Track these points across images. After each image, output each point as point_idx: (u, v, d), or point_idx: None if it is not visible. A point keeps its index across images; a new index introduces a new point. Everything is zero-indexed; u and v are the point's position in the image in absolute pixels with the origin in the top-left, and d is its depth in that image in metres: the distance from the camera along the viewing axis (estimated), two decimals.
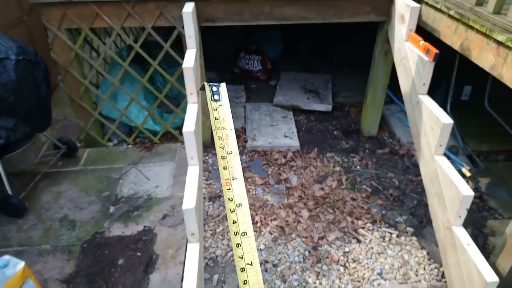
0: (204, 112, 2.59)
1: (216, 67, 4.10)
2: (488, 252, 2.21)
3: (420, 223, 2.44)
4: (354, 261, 2.19)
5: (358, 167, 2.93)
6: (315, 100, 3.62)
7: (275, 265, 2.16)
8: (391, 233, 2.36)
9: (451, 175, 1.78)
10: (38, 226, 2.36)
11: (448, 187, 1.79)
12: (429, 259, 2.20)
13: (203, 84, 0.90)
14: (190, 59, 1.98)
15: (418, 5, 2.25)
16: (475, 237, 2.28)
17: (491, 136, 3.01)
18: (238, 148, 3.04)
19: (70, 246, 2.23)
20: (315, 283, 2.06)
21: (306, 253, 2.23)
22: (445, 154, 1.94)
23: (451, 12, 2.08)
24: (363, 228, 2.40)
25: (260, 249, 2.25)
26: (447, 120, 1.83)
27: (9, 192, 2.36)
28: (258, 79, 4.14)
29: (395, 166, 2.94)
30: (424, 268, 2.15)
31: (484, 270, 1.55)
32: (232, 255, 2.15)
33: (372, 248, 2.27)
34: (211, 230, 2.36)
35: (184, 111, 2.07)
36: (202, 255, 1.72)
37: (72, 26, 2.57)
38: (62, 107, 3.39)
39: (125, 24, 2.57)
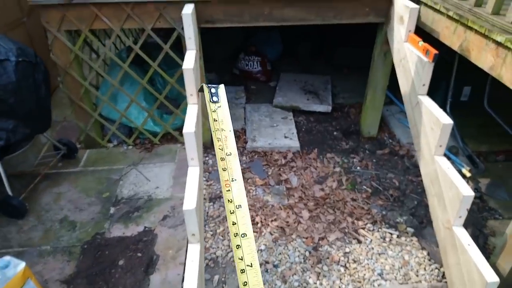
0: (204, 113, 2.59)
1: (215, 68, 4.10)
2: (488, 252, 2.21)
3: (421, 224, 2.44)
4: (354, 261, 2.19)
5: (358, 167, 2.93)
6: (315, 101, 3.63)
7: (275, 266, 2.16)
8: (391, 234, 2.37)
9: (451, 176, 1.78)
10: (38, 227, 2.36)
11: (448, 187, 1.79)
12: (429, 260, 2.21)
13: (202, 86, 0.90)
14: (190, 60, 1.98)
15: (417, 6, 2.26)
16: (475, 238, 2.28)
17: (490, 136, 3.02)
18: (238, 149, 3.04)
19: (70, 247, 2.23)
20: (315, 283, 2.06)
21: (307, 253, 2.23)
22: (445, 155, 1.94)
23: (450, 13, 2.09)
24: (363, 228, 2.40)
25: (261, 250, 2.25)
26: (447, 120, 1.83)
27: (9, 193, 2.36)
28: (258, 80, 4.15)
29: (395, 167, 2.94)
30: (425, 269, 2.16)
31: (485, 271, 1.56)
32: (233, 256, 2.15)
33: (372, 248, 2.27)
34: (211, 231, 2.36)
35: (184, 112, 2.07)
36: (202, 256, 1.72)
37: (71, 28, 2.58)
38: (62, 108, 3.39)
39: (124, 25, 2.57)
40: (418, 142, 2.13)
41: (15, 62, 2.13)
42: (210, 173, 2.86)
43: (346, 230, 2.38)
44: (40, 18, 2.50)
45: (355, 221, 2.44)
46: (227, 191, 0.79)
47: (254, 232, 2.31)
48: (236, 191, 0.79)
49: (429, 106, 1.98)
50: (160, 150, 3.07)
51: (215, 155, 0.88)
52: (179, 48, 2.66)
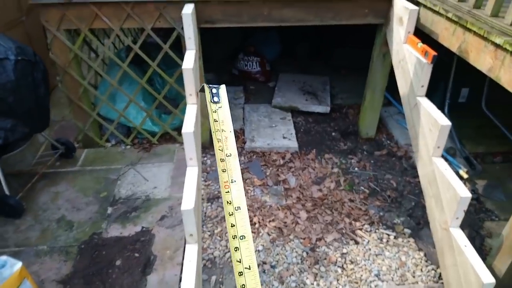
0: (203, 113, 2.59)
1: (214, 68, 4.10)
2: (485, 253, 2.22)
3: (418, 225, 2.44)
4: (351, 262, 2.19)
5: (356, 168, 2.93)
6: (313, 102, 3.63)
7: (273, 267, 2.16)
8: (388, 235, 2.37)
9: (449, 177, 1.79)
10: (35, 226, 2.35)
11: (446, 188, 1.80)
12: (426, 261, 2.21)
13: (203, 86, 0.90)
14: (190, 60, 1.98)
15: (416, 7, 2.26)
16: (472, 239, 2.29)
17: (488, 138, 3.03)
18: (237, 149, 3.04)
19: (67, 247, 2.22)
20: (312, 284, 2.06)
21: (304, 254, 2.23)
22: (442, 156, 1.95)
23: (449, 15, 2.10)
24: (361, 229, 2.40)
25: (258, 250, 2.25)
26: (445, 122, 1.84)
27: (7, 192, 2.35)
28: (257, 81, 4.15)
29: (393, 168, 2.95)
30: (421, 270, 2.16)
31: (481, 272, 1.56)
32: (230, 256, 2.14)
33: (369, 249, 2.27)
34: (209, 231, 2.36)
35: (182, 112, 2.07)
36: (200, 256, 1.72)
37: (71, 27, 2.57)
38: (60, 107, 3.39)
39: (124, 25, 2.57)
40: (416, 143, 2.13)
41: (14, 61, 2.13)
42: (208, 173, 2.86)
43: (344, 231, 2.39)
44: (40, 17, 2.50)
45: (353, 222, 2.45)
46: (226, 192, 0.78)
47: (252, 232, 2.31)
48: (235, 193, 0.78)
49: (428, 107, 1.99)
50: (158, 150, 3.07)
51: (213, 155, 0.87)
52: (179, 48, 2.66)
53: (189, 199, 1.57)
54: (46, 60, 2.56)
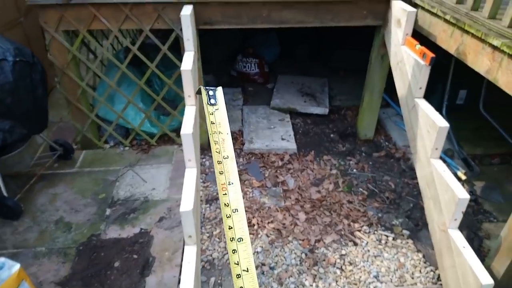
0: (201, 115, 2.59)
1: (213, 70, 4.11)
2: (483, 255, 2.22)
3: (416, 226, 2.45)
4: (350, 263, 2.19)
5: (354, 170, 2.94)
6: (312, 103, 3.64)
7: (271, 268, 2.16)
8: (387, 236, 2.37)
9: (447, 178, 1.79)
10: (33, 228, 2.34)
11: (444, 190, 1.80)
12: (425, 262, 2.21)
13: (200, 88, 0.90)
14: (188, 62, 1.98)
15: (414, 9, 2.27)
16: (470, 240, 2.30)
17: (486, 139, 3.04)
18: (235, 150, 3.04)
19: (65, 248, 2.22)
20: (311, 285, 2.06)
21: (303, 255, 2.23)
22: (441, 158, 1.95)
23: (447, 17, 2.11)
24: (359, 231, 2.41)
25: (257, 252, 2.25)
26: (443, 123, 1.84)
27: (5, 194, 2.35)
28: (255, 82, 4.15)
29: (391, 169, 2.96)
30: (420, 271, 2.16)
31: (479, 273, 1.57)
32: (229, 258, 2.14)
33: (368, 251, 2.27)
34: (208, 233, 2.36)
35: (181, 113, 2.07)
36: (199, 258, 1.72)
37: (69, 28, 2.57)
38: (58, 109, 3.38)
39: (123, 26, 2.57)
40: (414, 145, 2.14)
41: (13, 62, 2.12)
42: (207, 174, 2.86)
43: (342, 232, 2.39)
44: (38, 18, 2.50)
45: (351, 223, 2.45)
46: (223, 194, 0.78)
47: (250, 234, 2.31)
48: (233, 195, 0.78)
49: (426, 109, 2.00)
50: (157, 152, 3.07)
51: (212, 156, 0.87)
52: (177, 49, 2.66)
53: (188, 201, 1.57)
54: (44, 61, 2.55)
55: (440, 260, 1.91)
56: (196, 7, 2.46)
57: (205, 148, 3.06)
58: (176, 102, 3.09)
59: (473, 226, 2.43)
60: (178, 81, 2.21)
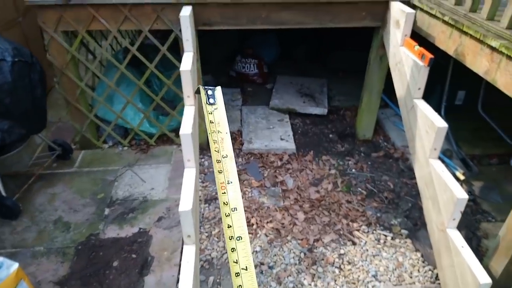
0: (200, 115, 2.60)
1: (212, 70, 4.11)
2: (481, 254, 2.23)
3: (415, 226, 2.45)
4: (349, 263, 2.20)
5: (353, 170, 2.94)
6: (311, 104, 3.64)
7: (270, 267, 2.16)
8: (386, 236, 2.38)
9: (446, 178, 1.80)
10: (32, 228, 2.34)
11: (443, 190, 1.81)
12: (423, 261, 2.22)
13: (198, 88, 0.90)
14: (188, 62, 1.98)
15: (413, 11, 2.28)
16: (469, 240, 2.30)
17: (484, 140, 3.05)
18: (235, 150, 3.05)
19: (64, 248, 2.22)
20: (310, 285, 2.07)
21: (302, 255, 2.24)
22: (439, 158, 1.96)
23: (446, 18, 2.11)
24: (358, 230, 2.41)
25: (256, 251, 2.25)
26: (442, 124, 1.85)
27: (3, 193, 2.34)
28: (254, 83, 4.16)
29: (390, 169, 2.96)
30: (418, 270, 2.17)
31: (478, 272, 1.57)
32: (228, 258, 2.15)
33: (367, 250, 2.28)
34: (206, 232, 2.36)
35: (180, 113, 2.08)
36: (198, 257, 1.72)
37: (68, 29, 2.57)
38: (57, 109, 3.38)
39: (122, 27, 2.57)
40: (413, 145, 2.14)
41: (11, 62, 2.12)
42: (206, 174, 2.86)
43: (341, 232, 2.39)
44: (37, 18, 2.49)
45: (350, 223, 2.46)
46: (222, 193, 0.78)
47: (249, 233, 2.31)
48: (232, 194, 0.78)
49: (424, 109, 2.00)
50: (155, 152, 3.07)
51: (211, 156, 0.88)
52: (176, 50, 2.66)
53: (187, 200, 1.57)
54: (43, 61, 2.55)
55: (439, 260, 1.92)
56: (195, 8, 2.46)
57: (204, 148, 3.06)
58: (175, 102, 3.10)
59: (472, 225, 2.44)
60: (177, 82, 2.21)
